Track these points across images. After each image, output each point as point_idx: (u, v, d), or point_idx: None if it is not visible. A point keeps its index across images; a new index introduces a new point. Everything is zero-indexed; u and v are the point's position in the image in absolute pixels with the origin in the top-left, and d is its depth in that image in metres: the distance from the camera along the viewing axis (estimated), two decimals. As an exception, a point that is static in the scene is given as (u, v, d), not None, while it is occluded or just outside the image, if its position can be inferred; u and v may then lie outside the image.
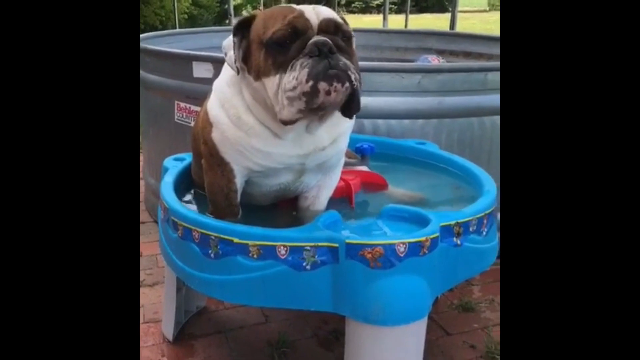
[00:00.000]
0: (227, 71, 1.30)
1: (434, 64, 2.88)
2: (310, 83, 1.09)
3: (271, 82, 1.15)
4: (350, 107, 1.17)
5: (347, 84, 1.11)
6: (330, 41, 1.11)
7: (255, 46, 1.18)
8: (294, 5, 1.18)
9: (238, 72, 1.21)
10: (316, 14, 1.15)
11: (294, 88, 1.10)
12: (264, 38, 1.15)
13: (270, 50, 1.14)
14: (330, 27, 1.15)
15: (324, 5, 1.26)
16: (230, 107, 1.26)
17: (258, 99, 1.21)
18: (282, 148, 1.26)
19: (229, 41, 1.23)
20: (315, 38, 1.11)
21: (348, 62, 1.12)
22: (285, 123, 1.16)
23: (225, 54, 1.23)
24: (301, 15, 1.14)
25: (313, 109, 1.13)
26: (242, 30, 1.21)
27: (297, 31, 1.12)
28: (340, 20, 1.17)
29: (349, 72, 1.11)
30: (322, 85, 1.09)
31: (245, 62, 1.21)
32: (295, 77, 1.10)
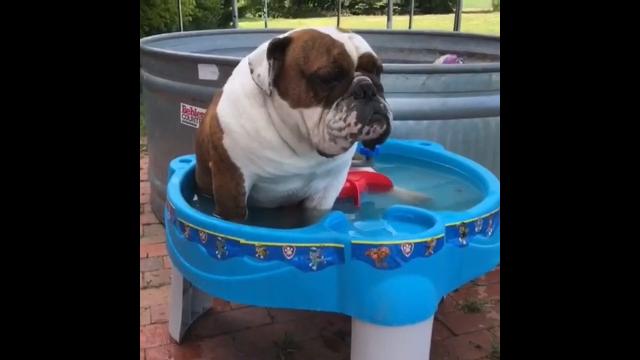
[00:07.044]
0: (243, 80, 1.28)
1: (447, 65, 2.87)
2: (359, 126, 1.13)
3: (311, 113, 1.16)
4: (378, 142, 1.21)
5: (385, 126, 1.17)
6: (372, 83, 1.15)
7: (293, 74, 1.17)
8: (331, 34, 1.17)
9: (270, 94, 1.20)
10: (355, 48, 1.17)
11: (341, 129, 1.13)
12: (307, 71, 1.15)
13: (314, 84, 1.15)
14: (369, 65, 1.18)
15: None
16: (248, 119, 1.25)
17: (288, 122, 1.21)
18: (295, 160, 1.27)
19: (258, 58, 1.21)
20: (359, 78, 1.15)
21: (387, 104, 1.17)
22: (325, 155, 1.19)
23: (252, 71, 1.21)
24: (344, 51, 1.15)
25: None
26: (276, 52, 1.20)
27: (343, 70, 1.15)
28: (375, 56, 1.20)
29: (388, 115, 1.17)
30: (366, 129, 1.14)
31: (276, 83, 1.20)
32: (343, 118, 1.13)
